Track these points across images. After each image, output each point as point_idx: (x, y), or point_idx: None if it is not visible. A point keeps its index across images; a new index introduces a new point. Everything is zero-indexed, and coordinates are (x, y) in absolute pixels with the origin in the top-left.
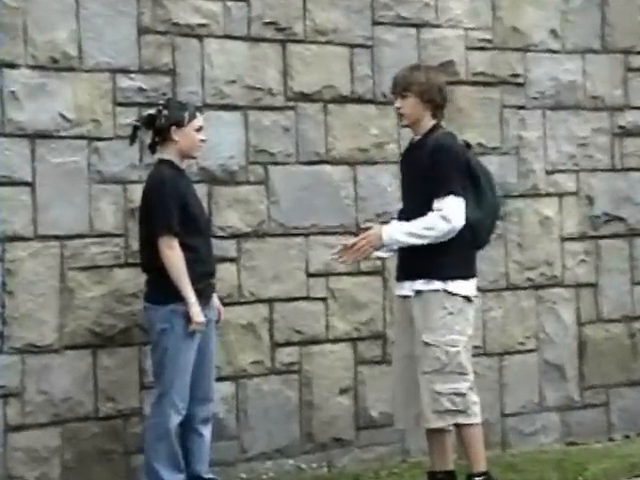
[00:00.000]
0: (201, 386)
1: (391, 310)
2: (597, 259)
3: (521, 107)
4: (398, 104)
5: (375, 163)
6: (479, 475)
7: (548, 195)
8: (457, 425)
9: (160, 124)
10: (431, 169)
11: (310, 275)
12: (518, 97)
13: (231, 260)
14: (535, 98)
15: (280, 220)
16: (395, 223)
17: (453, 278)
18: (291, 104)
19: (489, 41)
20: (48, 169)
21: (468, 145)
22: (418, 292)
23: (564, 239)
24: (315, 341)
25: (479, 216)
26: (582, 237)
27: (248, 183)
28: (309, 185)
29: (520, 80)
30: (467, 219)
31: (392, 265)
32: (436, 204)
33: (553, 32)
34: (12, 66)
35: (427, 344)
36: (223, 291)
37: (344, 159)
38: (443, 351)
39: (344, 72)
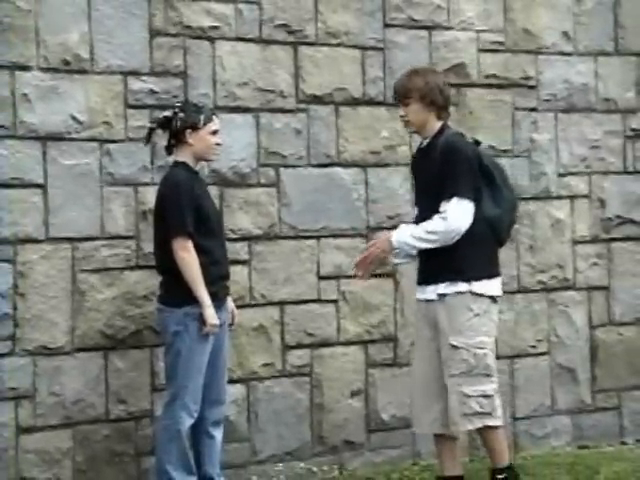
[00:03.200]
0: (213, 388)
1: (402, 312)
2: (609, 262)
3: (533, 109)
4: (402, 112)
5: (386, 165)
6: (503, 470)
7: (560, 198)
8: (481, 427)
9: (176, 126)
10: (441, 171)
11: (321, 277)
12: (530, 99)
13: (242, 262)
14: (547, 100)
15: (291, 222)
16: (404, 226)
17: (478, 278)
18: (302, 106)
19: (501, 43)
20: (60, 171)
21: (477, 142)
22: (442, 295)
23: (576, 242)
24: (326, 343)
25: (497, 213)
26: (594, 240)
27: (259, 185)
28: (320, 187)
29: (532, 82)
30: (486, 217)
31: (403, 267)
32: (441, 207)
33: (565, 34)
34: (24, 68)
35: (455, 347)
36: (234, 293)
37: (355, 161)
38: (471, 354)
39: (355, 74)
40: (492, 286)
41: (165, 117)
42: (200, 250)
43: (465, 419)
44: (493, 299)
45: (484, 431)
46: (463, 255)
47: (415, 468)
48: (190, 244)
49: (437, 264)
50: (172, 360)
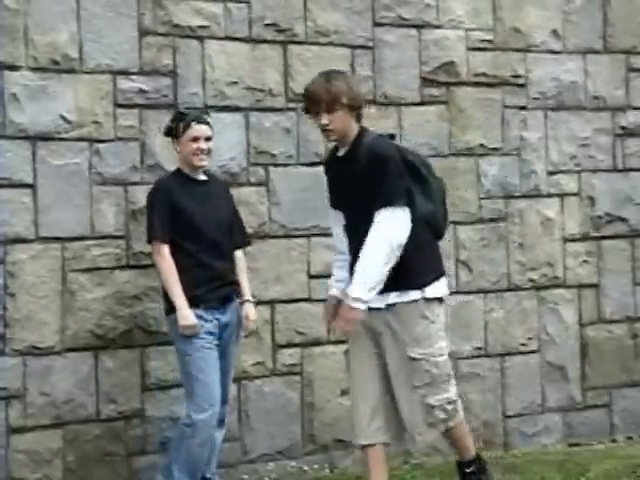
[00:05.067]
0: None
1: None
2: (599, 260)
3: (522, 108)
4: (324, 121)
5: None
6: (471, 462)
7: (550, 196)
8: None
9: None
10: (369, 181)
11: (311, 276)
12: (519, 98)
13: None
14: (536, 99)
15: (281, 221)
16: (352, 285)
17: (429, 283)
18: (292, 105)
19: (490, 42)
20: (49, 171)
21: (392, 136)
22: (391, 305)
23: (566, 240)
24: (317, 342)
25: (431, 207)
26: (584, 238)
27: (249, 184)
28: (310, 186)
29: (521, 81)
30: (422, 215)
31: None
32: (376, 218)
33: (554, 32)
34: (13, 68)
35: (414, 359)
36: None
37: None
38: (432, 363)
39: None
40: (442, 287)
41: (167, 127)
42: (182, 252)
43: (430, 428)
44: (440, 300)
45: (448, 431)
46: (411, 261)
47: (406, 466)
48: (164, 248)
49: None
50: (179, 364)
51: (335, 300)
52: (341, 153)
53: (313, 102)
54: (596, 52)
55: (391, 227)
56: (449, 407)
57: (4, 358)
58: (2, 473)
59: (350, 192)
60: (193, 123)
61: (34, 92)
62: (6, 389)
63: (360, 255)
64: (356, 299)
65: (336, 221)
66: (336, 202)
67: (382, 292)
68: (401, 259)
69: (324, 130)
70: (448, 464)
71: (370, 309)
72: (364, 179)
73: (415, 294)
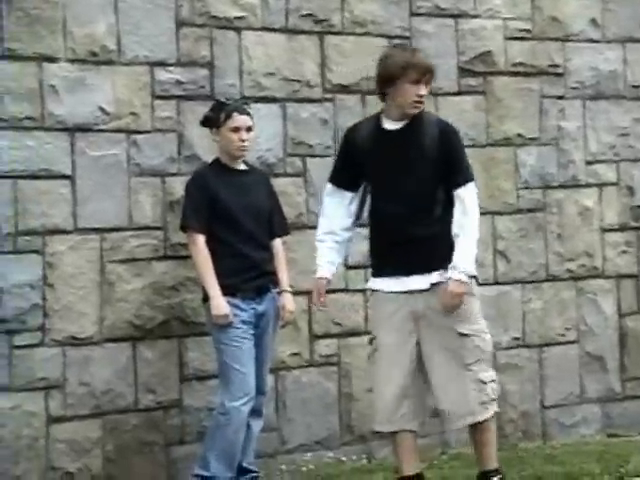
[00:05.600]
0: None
1: None
2: (637, 250)
3: (560, 97)
4: (424, 91)
5: None
6: (495, 472)
7: (588, 186)
8: (487, 417)
9: (209, 125)
10: (443, 155)
11: (349, 267)
12: (557, 87)
13: None
14: (575, 88)
15: (318, 212)
16: (462, 260)
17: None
18: (329, 96)
19: (528, 31)
20: (87, 162)
21: None
22: (435, 284)
23: (604, 230)
24: (354, 333)
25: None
26: (622, 228)
27: (286, 175)
28: None
29: (559, 70)
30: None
31: None
32: (458, 193)
33: (593, 21)
34: (52, 60)
35: (466, 335)
36: None
37: None
38: (481, 339)
39: None
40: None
41: (205, 116)
42: (218, 242)
43: (482, 407)
44: (476, 278)
45: (487, 421)
46: (450, 240)
47: (444, 457)
48: (199, 238)
49: (424, 253)
50: (216, 352)
51: (326, 281)
52: (394, 126)
53: (430, 72)
54: (635, 41)
55: (476, 202)
56: (496, 386)
57: (43, 349)
58: (42, 463)
59: (404, 163)
60: (235, 113)
61: (73, 84)
62: (46, 379)
63: (459, 231)
64: (468, 274)
65: (336, 199)
66: (374, 175)
67: (421, 272)
68: (442, 238)
69: (418, 102)
70: None
71: (409, 292)
72: (432, 151)
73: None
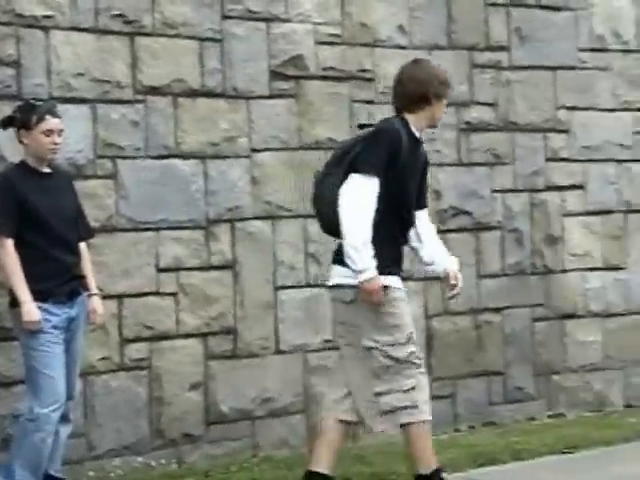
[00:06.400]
0: None
1: (242, 305)
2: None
3: (370, 102)
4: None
5: (226, 157)
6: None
7: None
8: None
9: (15, 126)
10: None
11: (160, 270)
12: (367, 92)
13: None
14: (384, 93)
15: (129, 215)
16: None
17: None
18: (140, 97)
19: (338, 36)
20: None
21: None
22: None
23: None
24: (165, 336)
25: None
26: None
27: (96, 177)
28: (158, 179)
29: (369, 75)
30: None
31: (243, 260)
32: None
33: (400, 28)
34: None
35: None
36: None
37: (194, 153)
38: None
39: (194, 66)
40: None
41: (8, 117)
42: (28, 246)
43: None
44: None
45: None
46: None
47: (254, 459)
48: (6, 241)
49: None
50: (23, 358)
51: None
52: (418, 136)
53: (449, 88)
54: (441, 48)
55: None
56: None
57: None
58: None
59: (418, 173)
60: (48, 116)
61: None
62: None
63: (436, 238)
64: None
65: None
66: (401, 181)
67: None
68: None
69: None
70: (297, 457)
71: None
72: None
73: None
